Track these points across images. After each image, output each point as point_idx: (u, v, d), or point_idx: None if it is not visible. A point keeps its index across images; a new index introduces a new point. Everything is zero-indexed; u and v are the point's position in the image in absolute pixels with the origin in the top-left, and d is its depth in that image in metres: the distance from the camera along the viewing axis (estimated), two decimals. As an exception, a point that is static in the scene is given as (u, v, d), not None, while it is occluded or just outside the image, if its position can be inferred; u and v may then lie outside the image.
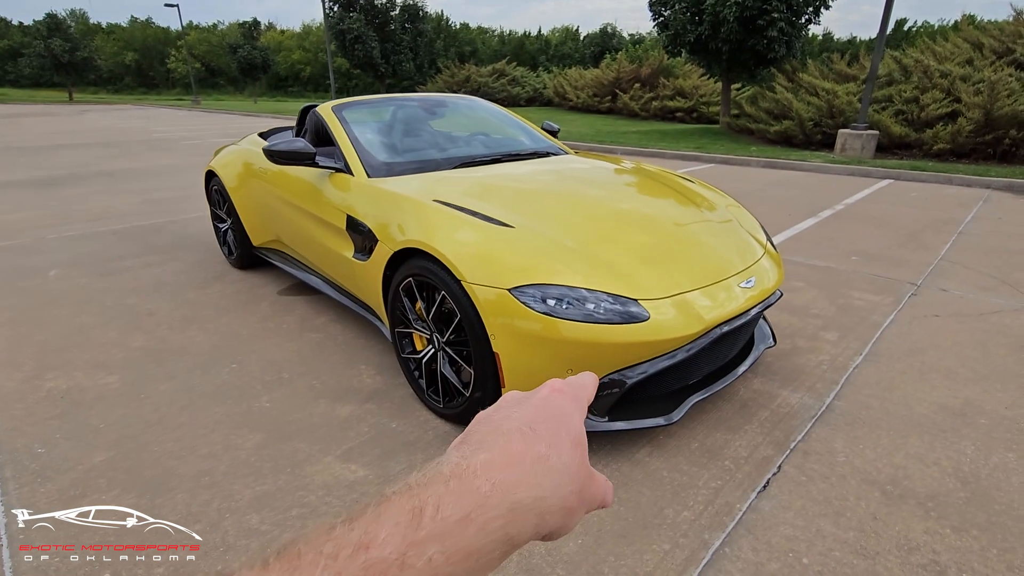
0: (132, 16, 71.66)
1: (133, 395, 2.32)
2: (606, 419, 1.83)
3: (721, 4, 11.54)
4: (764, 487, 1.79)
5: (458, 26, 58.22)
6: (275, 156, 2.56)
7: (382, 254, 2.18)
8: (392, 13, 22.84)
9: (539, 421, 0.32)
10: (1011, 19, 10.75)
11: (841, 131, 9.20)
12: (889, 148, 9.52)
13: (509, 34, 60.80)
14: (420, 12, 23.49)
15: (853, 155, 9.01)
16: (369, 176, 2.50)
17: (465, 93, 25.52)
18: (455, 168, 2.62)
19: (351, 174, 2.55)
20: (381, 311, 2.40)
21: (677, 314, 1.79)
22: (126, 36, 65.12)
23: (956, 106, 8.95)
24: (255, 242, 3.60)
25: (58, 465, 1.90)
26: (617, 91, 20.58)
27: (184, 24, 39.68)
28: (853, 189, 6.98)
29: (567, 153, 3.21)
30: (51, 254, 4.23)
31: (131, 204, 5.97)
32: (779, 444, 2.00)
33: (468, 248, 1.85)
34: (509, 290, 1.72)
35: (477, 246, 1.86)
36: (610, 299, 1.74)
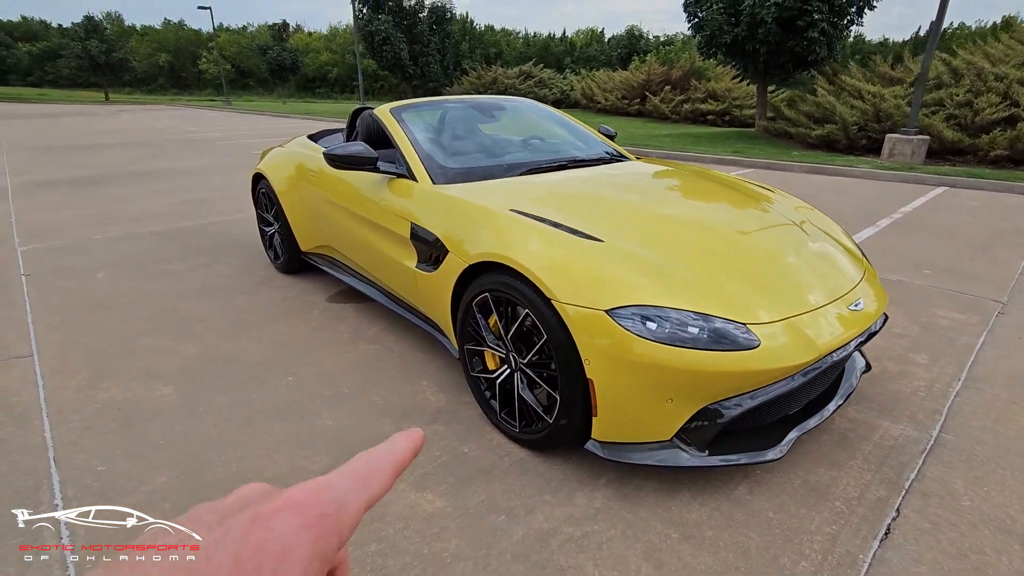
0: (165, 18, 73.51)
1: (190, 408, 2.23)
2: (705, 453, 1.67)
3: (759, 5, 11.24)
4: (886, 534, 1.61)
5: (483, 28, 58.36)
6: (335, 160, 2.46)
7: (453, 267, 2.06)
8: (420, 15, 22.89)
9: (200, 572, 0.23)
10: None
11: (889, 136, 8.85)
12: (940, 154, 9.12)
13: (534, 36, 60.68)
14: (448, 13, 23.51)
15: (903, 161, 8.65)
16: (434, 182, 2.37)
17: (492, 95, 25.57)
18: (522, 175, 2.49)
19: (414, 180, 2.43)
20: (447, 326, 2.27)
21: (788, 340, 1.63)
22: (159, 38, 66.71)
23: (1014, 110, 8.53)
24: (303, 247, 3.52)
25: (120, 485, 1.81)
26: (647, 93, 20.29)
27: (215, 26, 40.47)
28: (908, 197, 6.67)
29: (631, 159, 3.05)
30: (96, 255, 4.21)
31: (170, 205, 5.97)
32: (891, 483, 1.81)
33: (556, 264, 1.71)
34: (606, 311, 1.57)
35: (566, 262, 1.71)
36: (717, 323, 1.58)
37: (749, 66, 12.71)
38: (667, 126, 17.97)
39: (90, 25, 38.95)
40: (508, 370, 1.97)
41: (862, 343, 1.83)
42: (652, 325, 1.55)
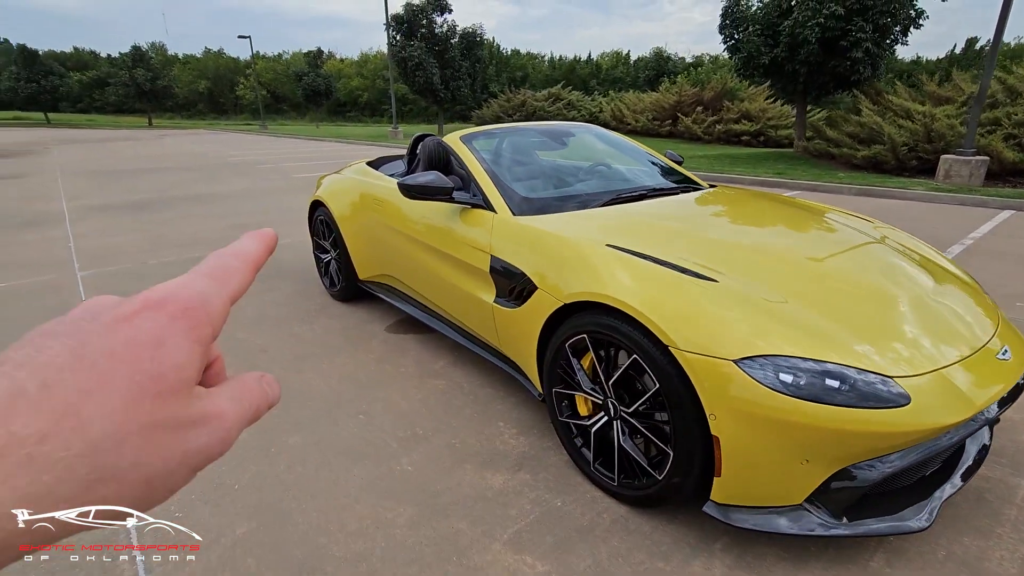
0: (206, 47, 76.80)
1: (263, 448, 2.14)
2: (843, 521, 1.48)
3: (800, 25, 11.08)
4: (1063, 623, 1.40)
5: (509, 52, 59.37)
6: (411, 191, 2.38)
7: (542, 305, 1.93)
8: (452, 40, 23.33)
9: (65, 370, 0.21)
10: None
11: (944, 157, 8.52)
12: (1000, 175, 8.73)
13: (559, 59, 61.47)
14: (478, 38, 23.92)
15: (960, 183, 8.30)
16: (514, 213, 2.27)
17: (520, 117, 25.87)
18: (604, 205, 2.37)
19: (491, 210, 2.33)
20: (527, 365, 2.14)
21: (940, 396, 1.45)
22: (200, 66, 69.73)
23: (1080, 130, 8.13)
24: (362, 275, 3.45)
25: (199, 534, 1.72)
26: (679, 114, 20.18)
27: (253, 54, 42.07)
28: (974, 221, 6.34)
29: (707, 187, 2.91)
30: (153, 280, 4.18)
31: (219, 229, 6.04)
32: (1052, 557, 1.60)
33: (671, 306, 1.57)
34: (735, 362, 1.42)
35: (682, 304, 1.57)
36: (860, 376, 1.41)
37: (788, 87, 12.51)
38: (701, 147, 17.79)
39: (137, 55, 40.89)
40: (605, 417, 1.83)
41: (1009, 400, 1.63)
42: (787, 377, 1.40)
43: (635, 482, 1.75)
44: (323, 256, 3.85)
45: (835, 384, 1.40)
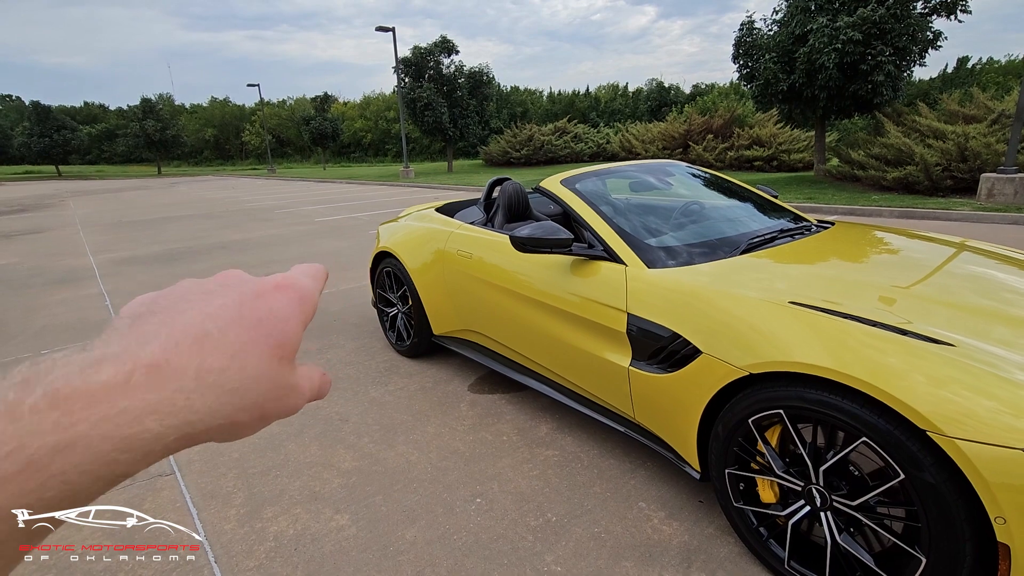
0: (212, 96, 78.82)
1: (378, 547, 1.86)
2: None
3: (817, 52, 11.11)
4: None
5: (508, 89, 60.61)
6: (525, 244, 2.16)
7: (712, 374, 1.67)
8: (459, 80, 23.72)
9: (233, 323, 0.27)
10: None
11: (986, 175, 8.34)
12: (1043, 192, 8.53)
13: (558, 94, 62.67)
14: (485, 77, 24.32)
15: (1005, 201, 8.10)
16: (648, 266, 2.04)
17: (528, 152, 26.07)
18: (744, 253, 2.13)
19: (619, 262, 2.10)
20: (680, 439, 1.87)
21: None
22: (206, 114, 71.37)
23: (1123, 143, 7.97)
24: (437, 330, 3.21)
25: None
26: (689, 143, 20.26)
27: (259, 100, 43.00)
28: (1037, 241, 6.11)
29: (823, 224, 2.69)
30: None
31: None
32: None
33: (915, 378, 1.31)
34: (1026, 450, 1.16)
35: (931, 376, 1.31)
36: None
37: (808, 112, 12.49)
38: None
39: (147, 107, 41.83)
40: (807, 508, 1.55)
41: None
42: (1098, 469, 1.13)
43: (856, 589, 1.46)
44: (388, 310, 3.61)
45: None
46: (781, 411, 1.52)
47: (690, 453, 1.84)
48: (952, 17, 10.68)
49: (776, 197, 3.13)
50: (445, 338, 3.22)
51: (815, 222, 2.73)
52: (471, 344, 3.03)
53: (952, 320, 1.53)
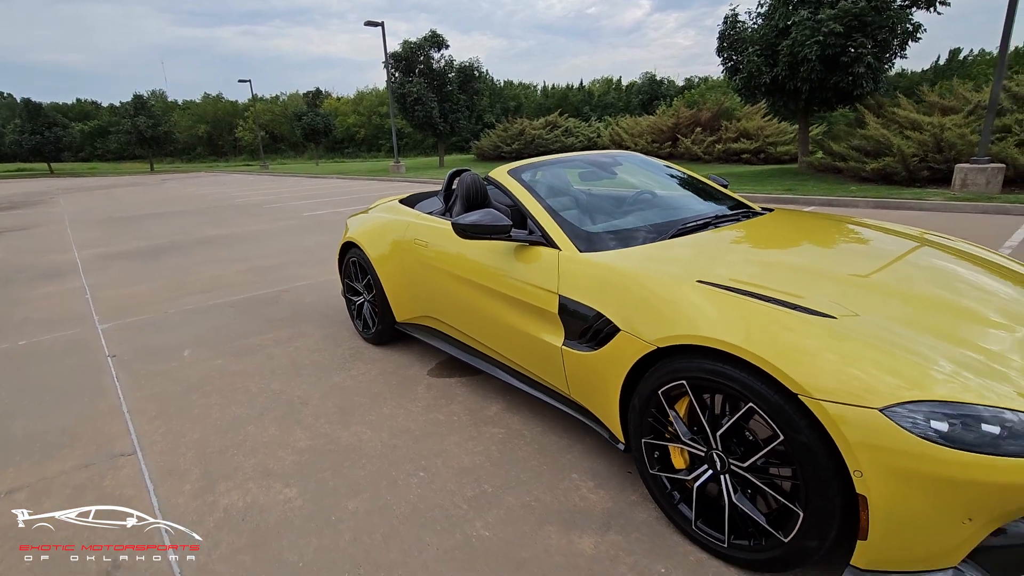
0: (205, 92, 78.36)
1: (322, 517, 1.97)
2: (1008, 583, 1.31)
3: (799, 44, 11.20)
4: None
5: (502, 83, 60.52)
6: (467, 231, 2.27)
7: (628, 349, 1.79)
8: (449, 75, 23.73)
9: None
10: None
11: (959, 166, 8.47)
12: (1016, 182, 8.68)
13: (551, 88, 62.63)
14: (475, 72, 24.32)
15: (977, 191, 8.23)
16: (580, 250, 2.14)
17: (519, 146, 26.11)
18: (673, 237, 2.24)
19: (554, 247, 2.21)
20: (605, 412, 1.98)
21: (1114, 435, 1.29)
22: (199, 111, 71.01)
23: (1094, 133, 8.11)
24: (400, 317, 3.32)
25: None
26: (678, 136, 20.35)
27: (251, 96, 42.86)
28: (1003, 229, 6.24)
29: (764, 211, 2.79)
30: (177, 331, 4.09)
31: (238, 273, 5.93)
32: None
33: (793, 348, 1.42)
34: (881, 410, 1.27)
35: (806, 346, 1.42)
36: (1021, 419, 1.26)
37: (791, 104, 12.59)
38: (704, 167, 17.86)
39: (139, 103, 41.67)
40: (709, 471, 1.66)
41: None
42: (942, 426, 1.25)
43: (751, 543, 1.58)
44: (355, 299, 3.72)
45: (994, 430, 1.24)
46: (684, 382, 1.63)
47: (615, 425, 1.96)
48: (931, 9, 10.78)
49: (726, 186, 3.24)
50: (407, 325, 3.33)
51: (759, 209, 2.84)
52: (430, 330, 3.14)
53: (836, 293, 1.64)
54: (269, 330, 4.01)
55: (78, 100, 75.56)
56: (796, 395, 1.37)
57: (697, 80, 42.93)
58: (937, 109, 10.91)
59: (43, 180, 35.03)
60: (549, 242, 2.24)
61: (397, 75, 23.45)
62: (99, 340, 3.97)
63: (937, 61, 46.57)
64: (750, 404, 1.48)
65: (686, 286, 1.74)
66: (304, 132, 37.56)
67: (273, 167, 39.76)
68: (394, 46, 23.60)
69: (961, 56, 46.22)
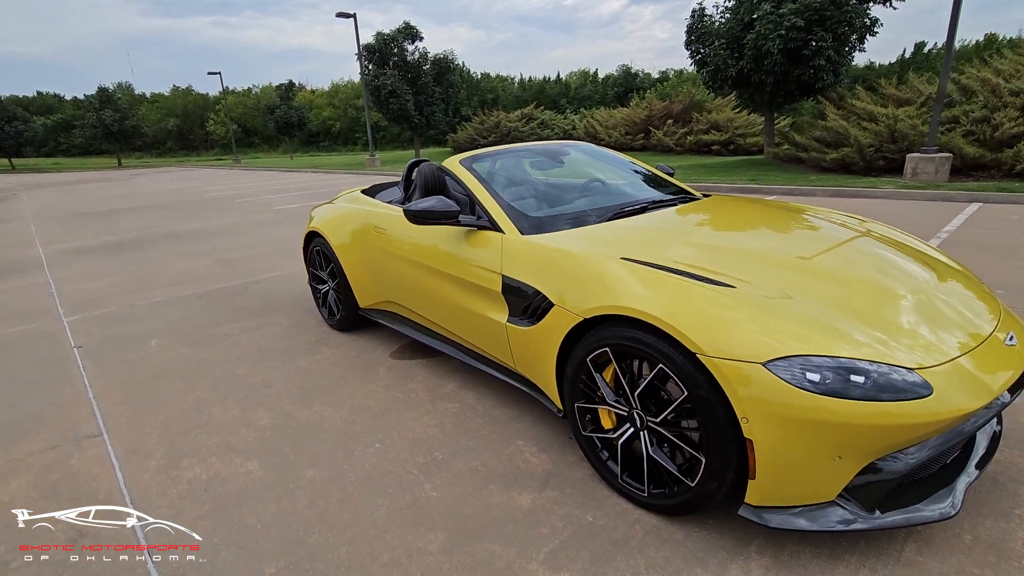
0: (174, 85, 76.35)
1: (281, 486, 2.10)
2: (876, 514, 1.51)
3: (763, 38, 11.50)
4: (1095, 598, 1.44)
5: (479, 76, 60.24)
6: (416, 216, 2.40)
7: (560, 322, 1.95)
8: (424, 67, 23.63)
9: None
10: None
11: (910, 155, 8.86)
12: (963, 170, 9.11)
13: (529, 80, 62.53)
14: (450, 64, 24.26)
15: (926, 179, 8.63)
16: (521, 233, 2.30)
17: (495, 139, 26.15)
18: (609, 220, 2.41)
19: (499, 231, 2.36)
20: (545, 382, 2.15)
21: (960, 384, 1.50)
22: (168, 104, 69.18)
23: (1034, 123, 8.55)
24: (363, 303, 3.44)
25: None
26: (650, 128, 20.64)
27: (222, 89, 41.95)
28: (944, 215, 6.59)
29: (697, 196, 2.98)
30: (144, 322, 4.14)
31: (206, 266, 5.96)
32: (1073, 534, 1.65)
33: (694, 314, 1.60)
34: (764, 364, 1.45)
35: (705, 312, 1.60)
36: (883, 370, 1.46)
37: (756, 96, 12.92)
38: (675, 158, 18.18)
39: (104, 96, 40.45)
40: (631, 429, 1.84)
41: (1020, 384, 1.69)
42: (815, 376, 1.43)
43: (666, 491, 1.76)
44: (320, 287, 3.82)
45: (860, 380, 1.44)
46: (608, 349, 1.81)
47: (553, 394, 2.12)
48: (887, 4, 11.17)
49: (671, 174, 3.42)
50: (370, 311, 3.45)
51: (699, 195, 3.03)
52: (392, 315, 3.27)
53: (743, 268, 1.82)
54: (237, 320, 4.09)
55: (39, 93, 72.92)
56: (695, 355, 1.55)
57: (672, 73, 43.40)
58: (892, 101, 11.33)
59: (3, 176, 33.88)
60: (494, 226, 2.39)
61: (371, 67, 23.27)
62: (65, 332, 4.00)
63: (903, 54, 47.83)
64: (660, 365, 1.65)
65: (611, 263, 1.90)
66: (277, 126, 36.99)
67: (246, 161, 39.10)
68: (368, 38, 23.39)
69: (926, 49, 47.54)
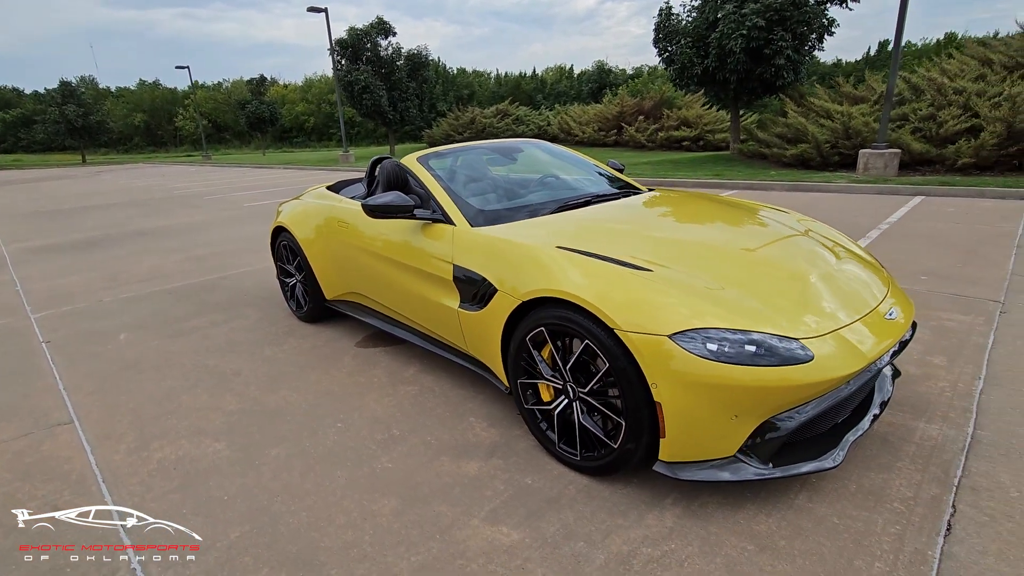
0: (141, 79, 74.22)
1: (247, 462, 2.25)
2: (769, 466, 1.75)
3: (726, 37, 11.86)
4: (948, 530, 1.69)
5: (455, 71, 60.04)
6: (375, 211, 2.57)
7: (502, 305, 2.15)
8: (398, 63, 23.57)
9: None
10: (1017, 34, 10.99)
11: (862, 151, 9.29)
12: (911, 165, 9.58)
13: (505, 76, 62.57)
14: (424, 59, 24.25)
15: (877, 174, 9.07)
16: (472, 225, 2.49)
17: (470, 134, 26.23)
18: (554, 212, 2.61)
19: (450, 223, 2.54)
20: (493, 362, 2.34)
21: (838, 352, 1.74)
22: (135, 98, 67.29)
23: (975, 121, 9.06)
24: (329, 295, 3.59)
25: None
26: (622, 124, 20.98)
27: (191, 84, 41.04)
28: (889, 208, 6.98)
29: (643, 190, 3.21)
30: (113, 317, 4.21)
31: (176, 263, 6.00)
32: (941, 481, 1.91)
33: (614, 295, 1.81)
34: (670, 336, 1.67)
35: (623, 293, 1.82)
36: (773, 340, 1.68)
37: (721, 94, 13.30)
38: (645, 154, 18.54)
39: (66, 90, 39.25)
40: (566, 400, 2.05)
41: (897, 352, 1.95)
42: (713, 346, 1.66)
43: (595, 454, 1.97)
44: (288, 280, 3.95)
45: (752, 348, 1.66)
46: (543, 328, 2.01)
47: (500, 372, 2.32)
48: (843, 5, 11.62)
49: (621, 170, 3.64)
50: (336, 302, 3.60)
51: (645, 190, 3.25)
52: (356, 306, 3.43)
53: (668, 255, 2.04)
54: (206, 313, 4.19)
55: (-3, 87, 70.17)
56: (613, 330, 1.76)
57: (647, 69, 43.99)
58: (848, 99, 11.81)
59: (-39, 173, 32.64)
60: (447, 219, 2.57)
61: (343, 63, 23.12)
62: (32, 328, 4.05)
63: (868, 52, 49.25)
64: (587, 341, 1.86)
65: (548, 250, 2.11)
66: (249, 121, 36.39)
67: (217, 158, 38.38)
68: (341, 32, 23.21)
69: (890, 47, 49.09)
